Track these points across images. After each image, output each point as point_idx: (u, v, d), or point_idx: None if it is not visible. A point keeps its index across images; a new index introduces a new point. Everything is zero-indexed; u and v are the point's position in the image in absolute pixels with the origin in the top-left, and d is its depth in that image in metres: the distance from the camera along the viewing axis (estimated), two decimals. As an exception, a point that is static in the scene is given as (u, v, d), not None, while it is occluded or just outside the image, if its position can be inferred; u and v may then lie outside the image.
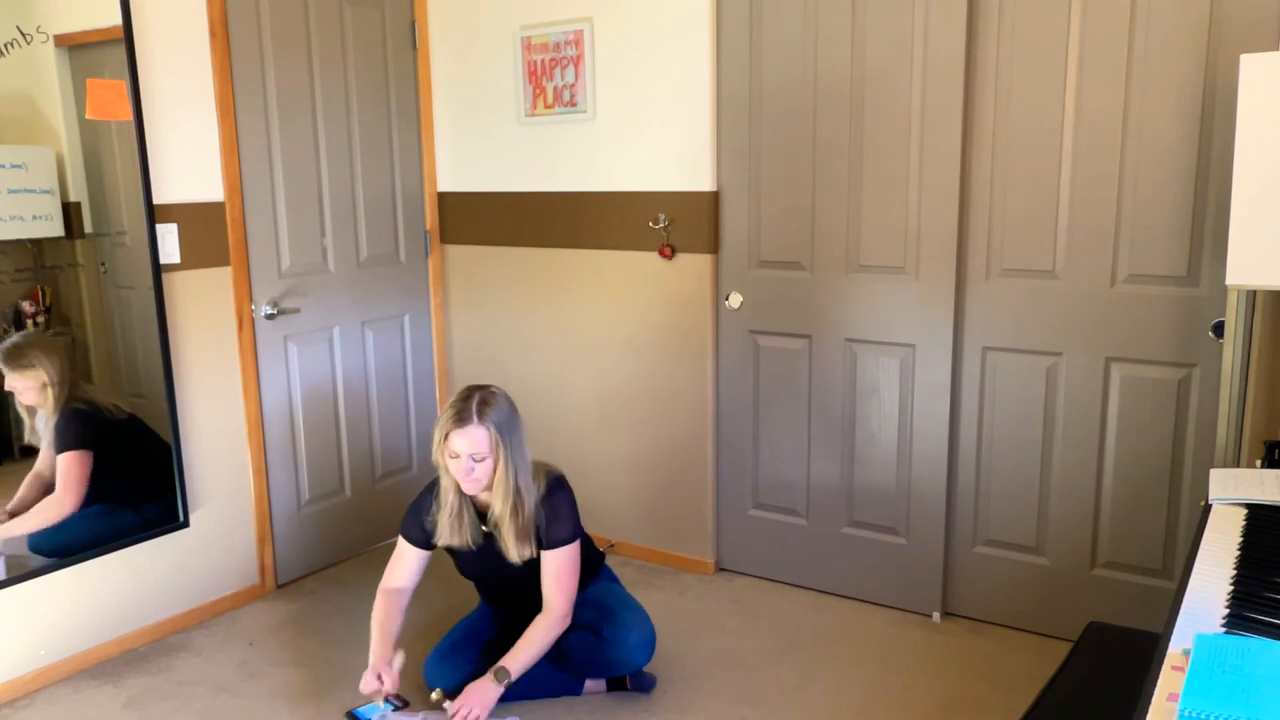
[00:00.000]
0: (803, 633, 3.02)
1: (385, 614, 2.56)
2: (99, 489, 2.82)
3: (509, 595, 2.66)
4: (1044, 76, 2.71)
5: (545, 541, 2.50)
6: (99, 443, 2.82)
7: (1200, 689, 1.14)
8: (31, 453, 2.73)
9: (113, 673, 2.83)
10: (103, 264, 2.84)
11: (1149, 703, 1.15)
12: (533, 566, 2.54)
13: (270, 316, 3.26)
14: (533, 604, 2.57)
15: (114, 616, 2.92)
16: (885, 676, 2.74)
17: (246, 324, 3.19)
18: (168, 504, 3.02)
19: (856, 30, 2.94)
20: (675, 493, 3.46)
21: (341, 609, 3.22)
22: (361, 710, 2.60)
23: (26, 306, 2.69)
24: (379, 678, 2.45)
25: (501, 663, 2.45)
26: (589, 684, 2.66)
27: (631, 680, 2.66)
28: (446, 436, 2.41)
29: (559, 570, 2.51)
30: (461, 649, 2.64)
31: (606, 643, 2.58)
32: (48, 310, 2.73)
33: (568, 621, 2.54)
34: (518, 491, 2.45)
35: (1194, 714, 1.10)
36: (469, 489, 2.46)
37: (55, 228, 2.70)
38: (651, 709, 2.60)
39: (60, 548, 2.78)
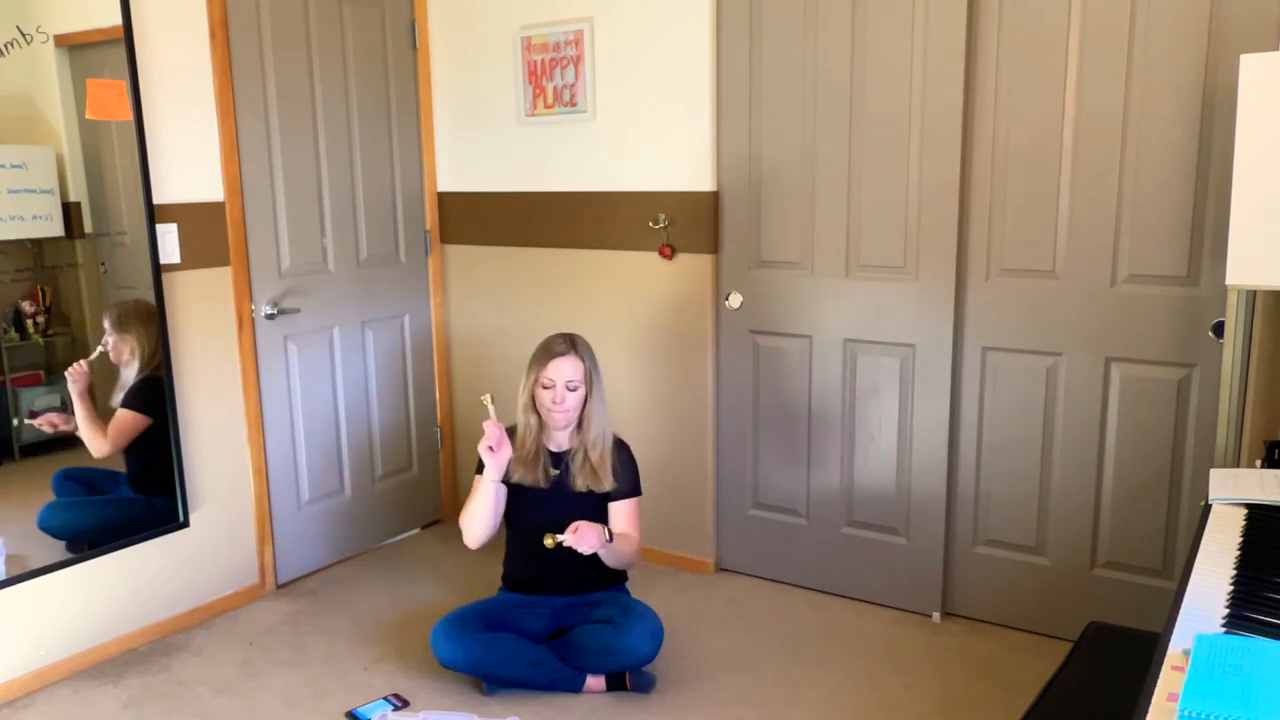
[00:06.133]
0: (803, 633, 3.02)
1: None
2: (132, 465, 2.96)
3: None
4: (1044, 76, 2.71)
5: (618, 492, 2.73)
6: (160, 413, 2.98)
7: (1200, 689, 1.14)
8: (32, 452, 2.74)
9: (113, 673, 2.83)
10: (103, 264, 2.84)
11: (1149, 703, 1.15)
12: (587, 509, 2.69)
13: (270, 316, 3.26)
14: (565, 560, 2.67)
15: (114, 616, 2.92)
16: (885, 676, 2.74)
17: (246, 324, 3.19)
18: (176, 499, 3.03)
19: (856, 30, 2.94)
20: (675, 493, 3.46)
21: (342, 609, 3.22)
22: (361, 710, 2.60)
23: (26, 306, 2.69)
24: (498, 440, 2.61)
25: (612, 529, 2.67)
26: (589, 681, 2.66)
27: (631, 679, 2.66)
28: (542, 368, 2.65)
29: (630, 514, 2.76)
30: (470, 622, 2.66)
31: (617, 628, 2.61)
32: (48, 310, 2.73)
33: (639, 548, 2.78)
34: (606, 425, 2.71)
35: (1194, 714, 1.10)
36: (559, 420, 2.67)
37: (55, 228, 2.70)
38: (651, 709, 2.60)
39: (69, 529, 2.82)
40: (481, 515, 2.68)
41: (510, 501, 2.77)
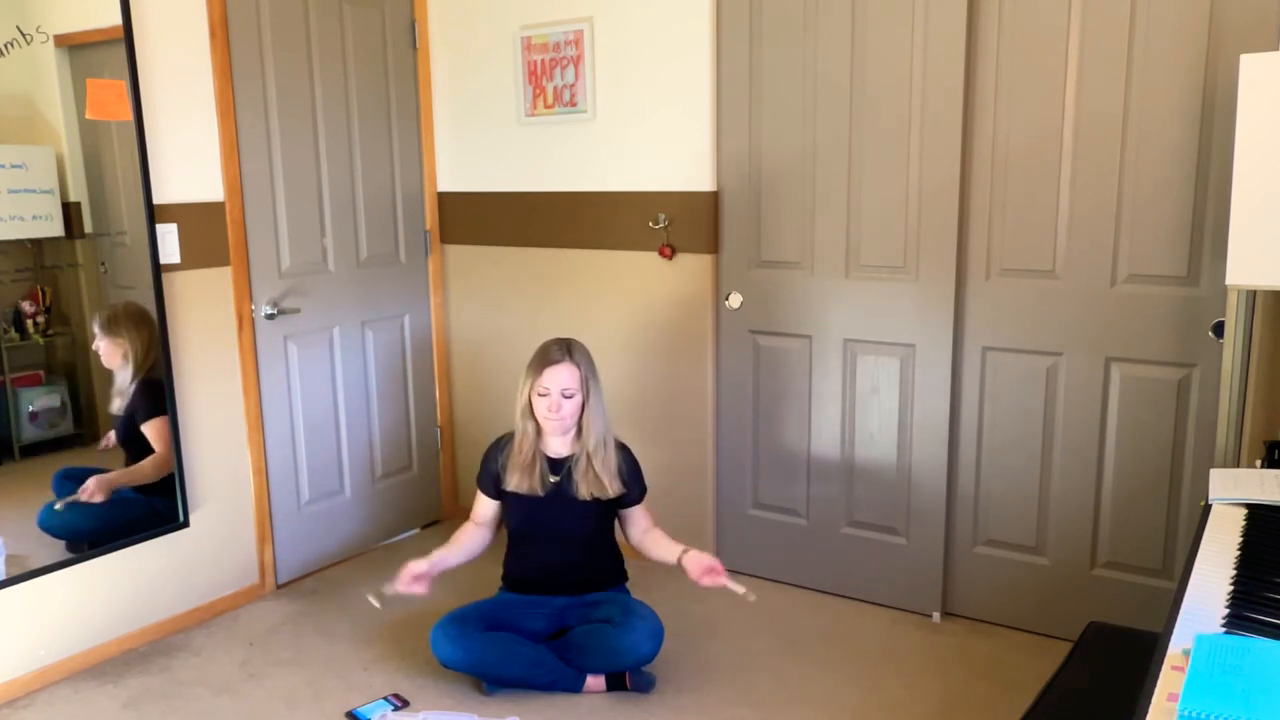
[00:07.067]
0: (803, 633, 3.02)
1: (463, 534, 2.83)
2: (132, 465, 2.95)
3: (550, 549, 2.75)
4: (1044, 76, 2.71)
5: (631, 498, 2.76)
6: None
7: (1200, 689, 1.14)
8: (32, 452, 2.74)
9: (113, 673, 2.83)
10: (103, 264, 2.84)
11: (1149, 703, 1.15)
12: (589, 516, 2.71)
13: (270, 316, 3.26)
14: (566, 564, 2.74)
15: (114, 616, 2.92)
16: (885, 676, 2.74)
17: (246, 324, 3.19)
18: (176, 499, 3.03)
19: (856, 30, 2.94)
20: (675, 492, 3.46)
21: (342, 609, 3.22)
22: (361, 710, 2.60)
23: (26, 306, 2.69)
24: (415, 578, 2.64)
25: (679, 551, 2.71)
26: (589, 681, 2.66)
27: (631, 679, 2.66)
28: (538, 376, 2.64)
29: (649, 515, 2.82)
30: (470, 622, 2.66)
31: (618, 627, 2.61)
32: (48, 310, 2.73)
33: None
34: (606, 429, 2.70)
35: (1194, 714, 1.10)
36: (555, 428, 2.66)
37: (55, 228, 2.70)
38: (651, 709, 2.60)
39: (69, 529, 2.82)
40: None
41: (509, 509, 2.77)
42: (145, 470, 2.94)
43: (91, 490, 2.81)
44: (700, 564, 2.62)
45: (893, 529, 3.14)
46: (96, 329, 2.82)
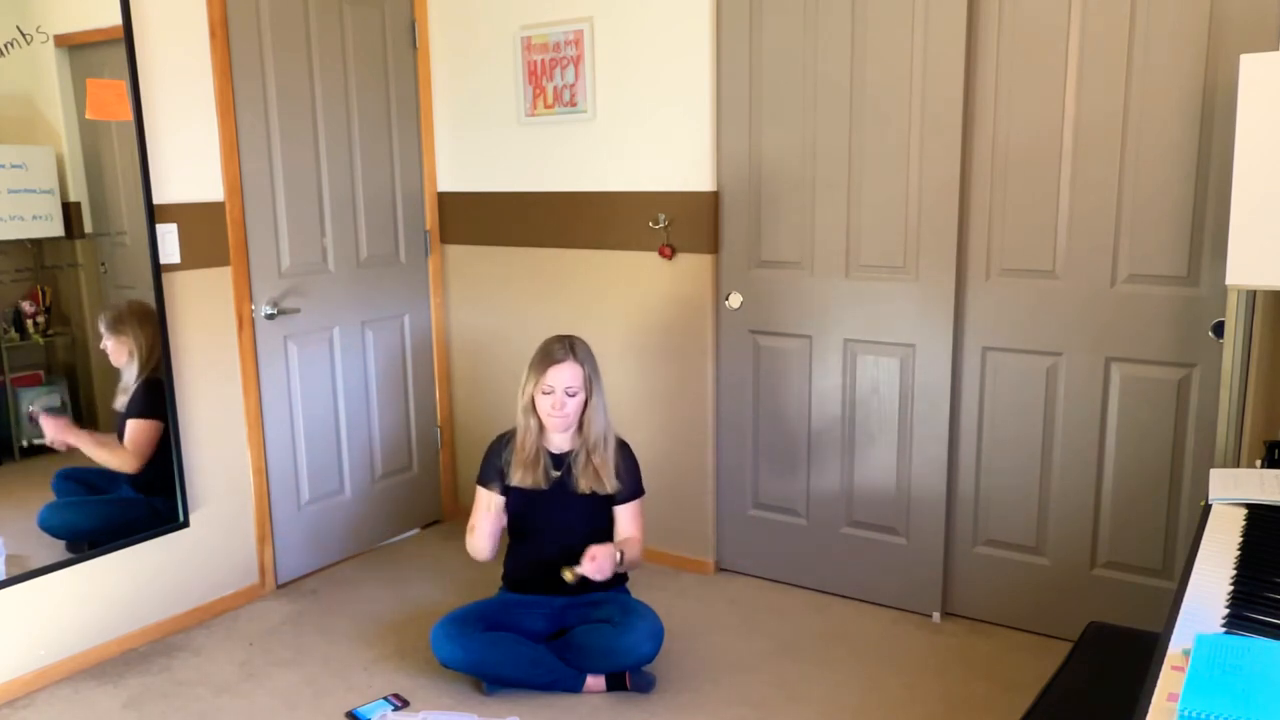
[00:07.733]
0: (803, 633, 3.02)
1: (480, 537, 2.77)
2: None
3: (551, 544, 2.73)
4: (1044, 77, 2.71)
5: (623, 495, 2.75)
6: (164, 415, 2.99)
7: (1200, 689, 1.14)
8: (32, 453, 2.74)
9: (113, 673, 2.83)
10: (103, 264, 2.84)
11: (1149, 703, 1.15)
12: (589, 511, 2.72)
13: (270, 316, 3.26)
14: (565, 558, 2.68)
15: (114, 616, 2.92)
16: (885, 676, 2.74)
17: (246, 324, 3.19)
18: (176, 499, 3.03)
19: (856, 30, 2.94)
20: (675, 493, 3.46)
21: (342, 609, 3.22)
22: (361, 710, 2.60)
23: (26, 306, 2.69)
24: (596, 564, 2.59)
25: (620, 544, 2.70)
26: (589, 681, 2.66)
27: (631, 679, 2.66)
28: (542, 374, 2.65)
29: (635, 516, 2.78)
30: (470, 622, 2.66)
31: (618, 627, 2.62)
32: (48, 310, 2.73)
33: (643, 549, 2.81)
34: (607, 426, 2.72)
35: (1194, 714, 1.10)
36: (558, 425, 2.67)
37: (55, 228, 2.70)
38: (651, 709, 2.60)
39: (69, 529, 2.83)
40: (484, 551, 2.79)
41: (512, 504, 2.77)
42: (111, 448, 2.88)
43: (51, 433, 2.76)
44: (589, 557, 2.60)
45: (893, 529, 3.14)
46: (102, 328, 2.83)
